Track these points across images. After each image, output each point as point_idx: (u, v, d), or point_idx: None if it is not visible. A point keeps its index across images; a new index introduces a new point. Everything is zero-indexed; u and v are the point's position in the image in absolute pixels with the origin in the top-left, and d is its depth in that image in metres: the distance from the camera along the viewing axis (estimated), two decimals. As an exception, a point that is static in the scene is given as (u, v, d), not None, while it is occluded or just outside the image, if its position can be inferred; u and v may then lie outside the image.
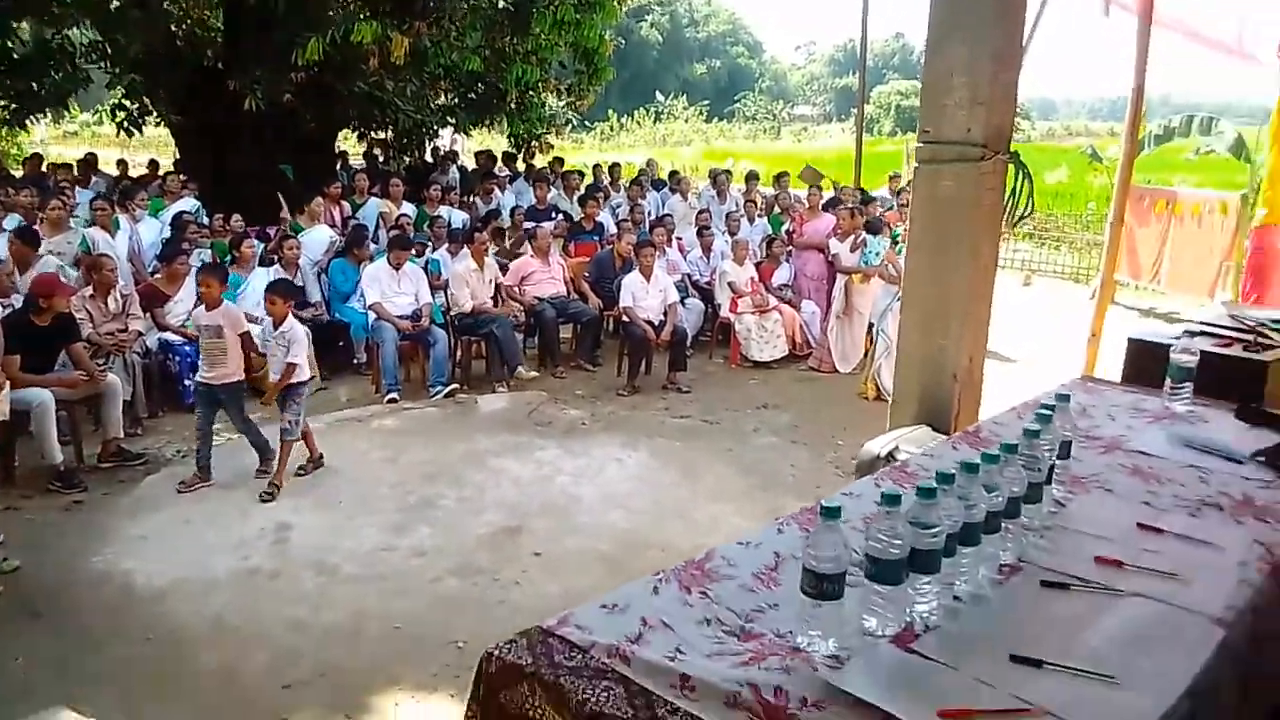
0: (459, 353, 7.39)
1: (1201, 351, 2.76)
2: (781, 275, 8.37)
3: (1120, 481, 2.18)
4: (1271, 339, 3.07)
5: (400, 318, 6.89)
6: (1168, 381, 2.68)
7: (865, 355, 7.37)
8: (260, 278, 6.70)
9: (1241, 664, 1.59)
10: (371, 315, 6.95)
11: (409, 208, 9.21)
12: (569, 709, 1.35)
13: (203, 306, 5.10)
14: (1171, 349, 2.73)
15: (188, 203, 8.72)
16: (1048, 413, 1.93)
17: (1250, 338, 3.08)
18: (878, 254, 7.34)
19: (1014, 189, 3.56)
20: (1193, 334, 2.72)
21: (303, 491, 4.97)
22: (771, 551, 1.80)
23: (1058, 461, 1.99)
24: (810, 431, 6.23)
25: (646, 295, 7.37)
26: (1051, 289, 12.26)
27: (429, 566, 4.19)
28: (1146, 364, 2.97)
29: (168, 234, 7.64)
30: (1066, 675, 1.42)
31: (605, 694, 1.36)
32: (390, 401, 6.59)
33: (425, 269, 7.55)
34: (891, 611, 1.52)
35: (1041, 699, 1.35)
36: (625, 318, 7.34)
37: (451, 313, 7.30)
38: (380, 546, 4.36)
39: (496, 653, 1.47)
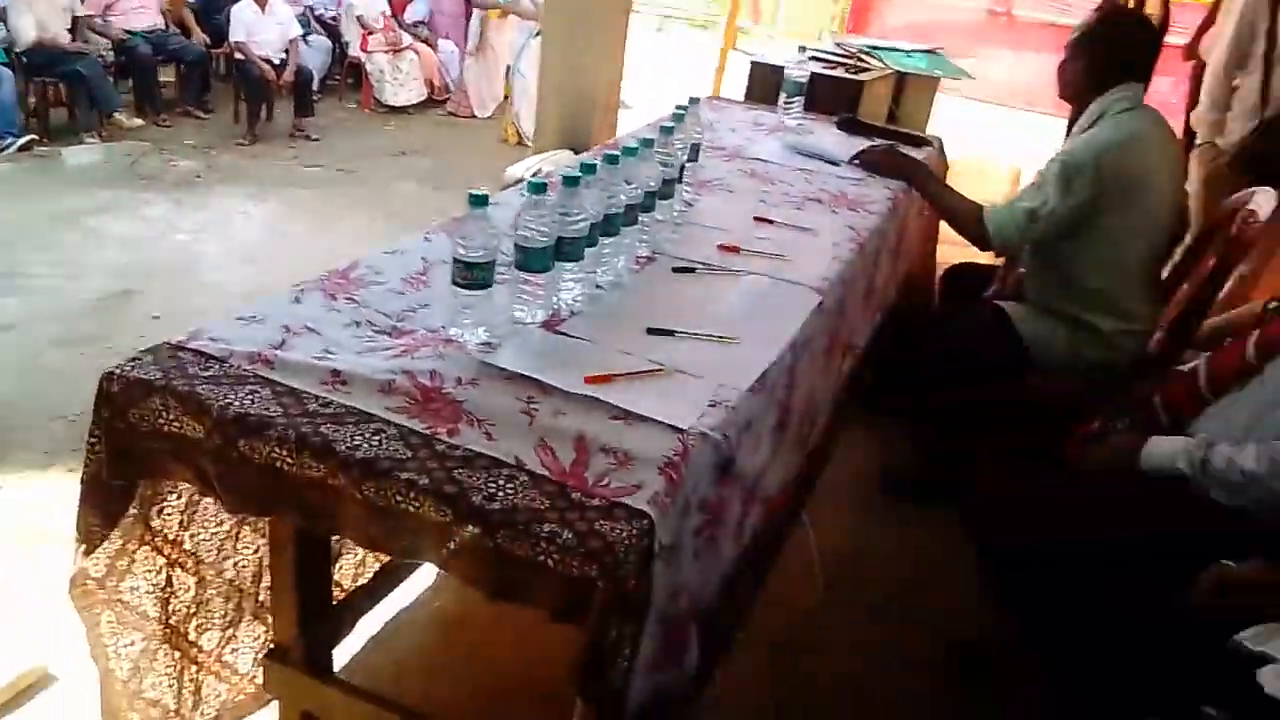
0: (32, 98, 6.17)
1: (812, 74, 3.02)
2: (416, 11, 7.80)
3: (740, 183, 2.38)
4: (868, 63, 3.41)
5: (-61, 51, 5.58)
6: (782, 96, 2.92)
7: (505, 99, 7.23)
8: None
9: (832, 322, 1.87)
10: (-104, 48, 5.56)
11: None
12: (210, 416, 1.26)
13: None
14: (786, 68, 2.95)
15: None
16: (681, 113, 2.02)
17: (852, 62, 3.40)
18: (515, -12, 7.05)
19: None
20: (804, 51, 2.97)
21: None
22: (419, 258, 1.76)
23: (687, 164, 2.11)
24: (453, 176, 6.08)
25: (262, 29, 6.54)
26: (684, 36, 12.64)
27: (23, 341, 3.65)
28: (765, 84, 3.20)
29: None
30: (695, 340, 1.58)
31: (250, 397, 1.28)
32: (-58, 156, 5.45)
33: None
34: (539, 300, 1.56)
35: (673, 361, 1.49)
36: (238, 55, 6.50)
37: (16, 49, 6.02)
38: (-45, 323, 3.73)
39: (119, 372, 1.33)
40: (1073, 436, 1.95)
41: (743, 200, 2.27)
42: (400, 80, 7.38)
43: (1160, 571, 1.54)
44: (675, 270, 1.84)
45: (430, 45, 7.65)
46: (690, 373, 1.47)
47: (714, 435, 1.34)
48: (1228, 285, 2.48)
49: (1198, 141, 3.60)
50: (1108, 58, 2.33)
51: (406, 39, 7.48)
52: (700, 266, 1.86)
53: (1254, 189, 2.45)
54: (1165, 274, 2.59)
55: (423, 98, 7.55)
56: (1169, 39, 4.72)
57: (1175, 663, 1.42)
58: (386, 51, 7.32)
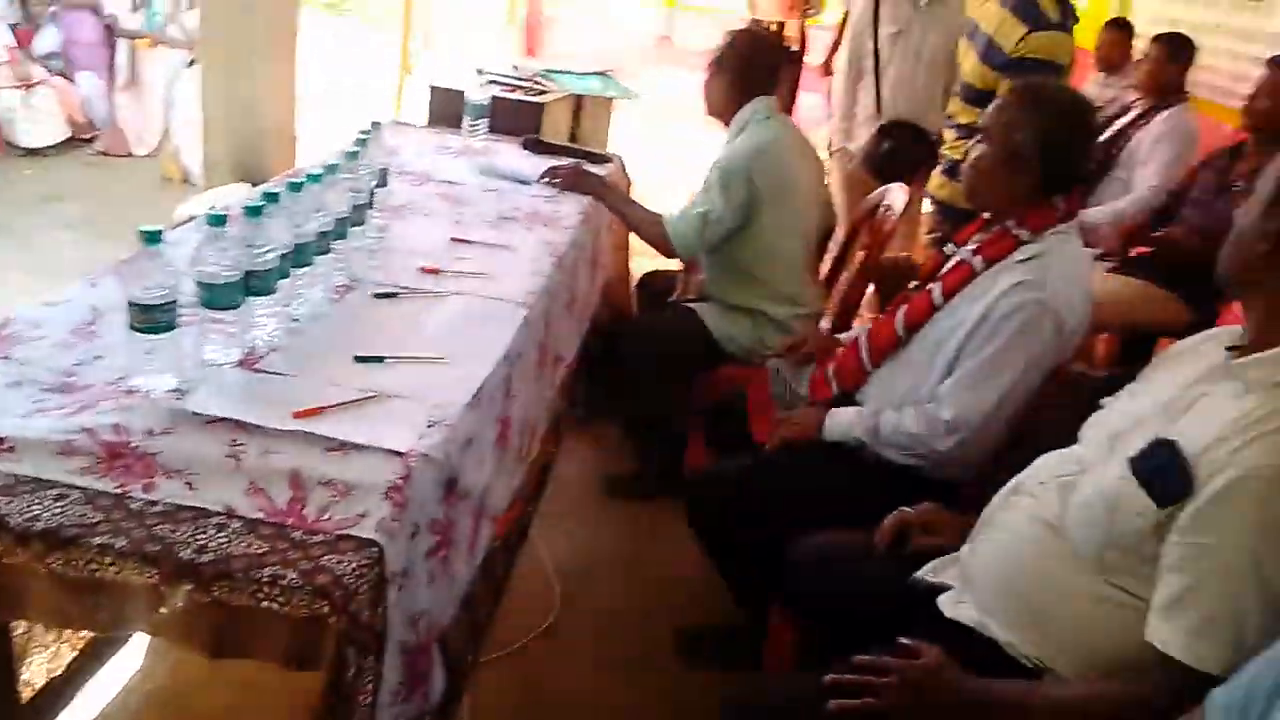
0: None
1: (493, 97, 3.08)
2: (47, 41, 6.96)
3: (433, 206, 2.38)
4: (545, 85, 3.53)
5: None
6: (466, 119, 2.96)
7: (165, 133, 6.66)
8: None
9: (540, 334, 1.92)
10: None
11: None
12: None
13: None
14: (466, 92, 2.99)
15: None
16: (365, 136, 1.99)
17: (530, 84, 3.50)
18: (164, 14, 6.53)
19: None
20: (482, 74, 3.03)
21: None
22: (87, 306, 1.60)
23: (377, 189, 2.07)
24: (112, 222, 5.49)
25: None
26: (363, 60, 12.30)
27: None
28: (447, 107, 3.22)
29: None
30: (405, 364, 1.56)
31: (-113, 482, 1.11)
32: None
33: None
34: (231, 338, 1.48)
35: (385, 386, 1.47)
36: None
37: None
38: None
39: None
40: (762, 417, 2.14)
41: (438, 223, 2.27)
42: (35, 118, 6.56)
43: (849, 526, 1.72)
44: (376, 296, 1.81)
45: (67, 78, 6.87)
46: (405, 396, 1.45)
47: (436, 455, 1.34)
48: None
49: (833, 148, 4.07)
50: (742, 74, 2.60)
51: (39, 72, 6.66)
52: (402, 290, 1.84)
53: (888, 186, 2.82)
54: (828, 266, 2.92)
55: (65, 137, 6.75)
56: (811, 59, 5.33)
57: (873, 604, 1.60)
58: (16, 87, 6.48)
